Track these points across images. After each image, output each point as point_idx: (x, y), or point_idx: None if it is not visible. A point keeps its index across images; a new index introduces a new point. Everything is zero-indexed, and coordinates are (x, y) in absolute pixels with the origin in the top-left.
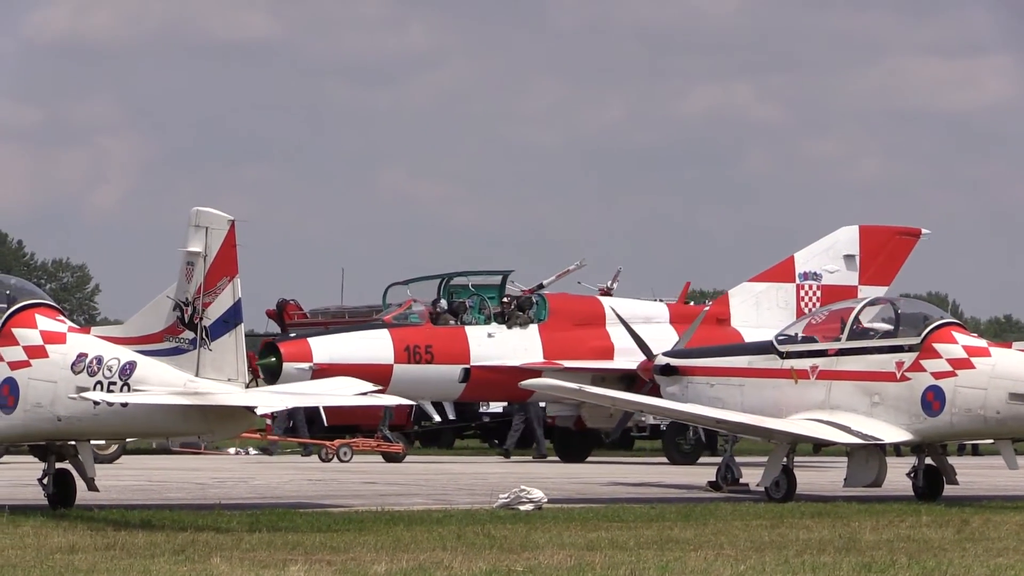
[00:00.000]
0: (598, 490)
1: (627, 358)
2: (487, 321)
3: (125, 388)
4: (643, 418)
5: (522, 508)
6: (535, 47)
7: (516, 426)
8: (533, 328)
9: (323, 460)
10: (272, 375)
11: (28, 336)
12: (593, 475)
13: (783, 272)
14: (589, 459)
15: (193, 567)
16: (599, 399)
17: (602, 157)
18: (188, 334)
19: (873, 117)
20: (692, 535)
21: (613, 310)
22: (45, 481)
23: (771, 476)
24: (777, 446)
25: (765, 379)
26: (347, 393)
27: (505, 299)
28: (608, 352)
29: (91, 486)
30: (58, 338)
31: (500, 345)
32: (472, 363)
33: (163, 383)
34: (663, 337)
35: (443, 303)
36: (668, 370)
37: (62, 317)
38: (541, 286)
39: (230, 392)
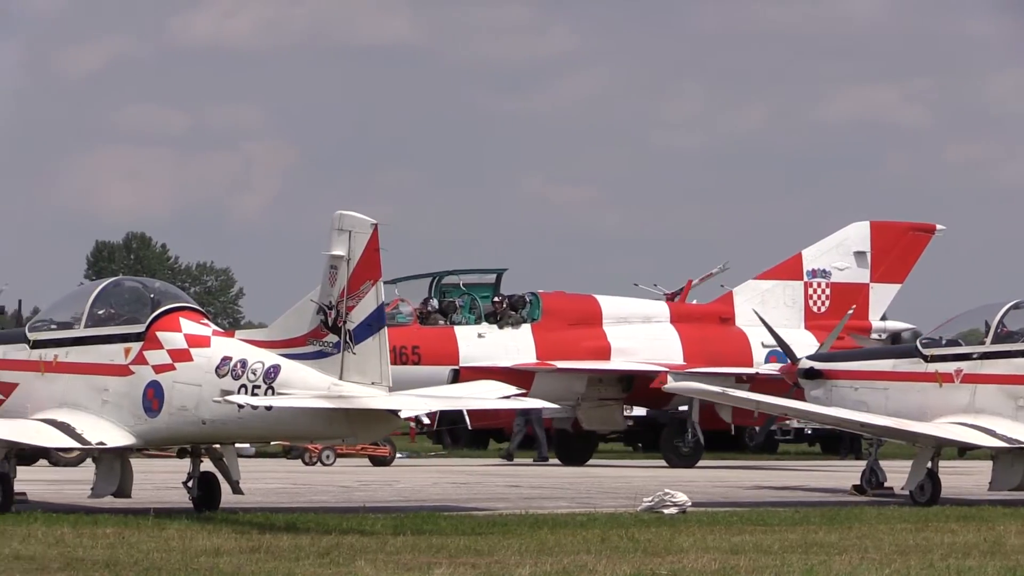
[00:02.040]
0: (742, 494)
1: (624, 358)
2: (478, 321)
3: (269, 391)
4: (788, 422)
5: (666, 512)
6: (676, 51)
7: (518, 428)
8: (526, 328)
9: (306, 464)
10: None
11: (173, 340)
12: (737, 479)
13: (790, 269)
14: (590, 462)
15: (338, 570)
16: (743, 402)
17: (744, 161)
18: (332, 338)
19: (1017, 120)
20: (836, 539)
21: (756, 313)
22: (190, 484)
23: (916, 480)
24: (922, 450)
25: (910, 382)
26: (491, 396)
27: (496, 298)
28: (604, 352)
29: (236, 489)
30: (202, 342)
31: (490, 345)
32: (461, 364)
33: (307, 387)
34: (662, 336)
35: (433, 302)
36: (812, 373)
37: (206, 321)
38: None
39: (374, 395)
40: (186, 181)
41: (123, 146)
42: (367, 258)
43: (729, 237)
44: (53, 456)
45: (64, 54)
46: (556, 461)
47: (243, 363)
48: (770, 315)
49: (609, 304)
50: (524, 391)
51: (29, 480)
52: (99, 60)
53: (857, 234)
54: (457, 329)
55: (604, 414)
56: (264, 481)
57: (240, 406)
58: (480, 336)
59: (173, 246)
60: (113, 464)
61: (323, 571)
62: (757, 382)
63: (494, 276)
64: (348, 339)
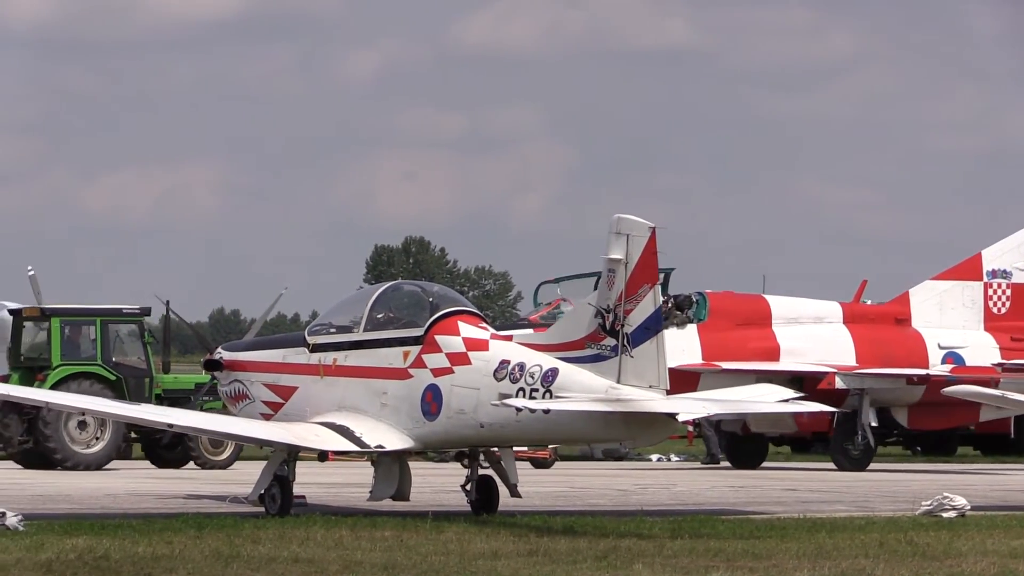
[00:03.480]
0: (1021, 497)
1: (794, 359)
2: None
3: (547, 395)
4: None
5: (945, 515)
6: (956, 53)
7: (710, 430)
8: (692, 328)
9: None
10: None
11: (451, 343)
12: (1017, 483)
13: (969, 270)
14: (764, 465)
15: (615, 573)
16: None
17: (1021, 163)
18: (609, 341)
19: None
20: None
21: None
22: (468, 487)
23: None
24: None
25: None
26: (770, 400)
27: (662, 298)
28: (773, 353)
29: (514, 492)
30: (481, 345)
31: None
32: None
33: (585, 390)
34: (834, 337)
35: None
36: None
37: (484, 324)
38: None
39: (652, 399)
40: (464, 184)
41: (402, 150)
42: (645, 261)
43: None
44: (201, 458)
45: (343, 59)
46: (726, 463)
47: (521, 366)
48: (948, 317)
49: (779, 304)
50: (804, 394)
51: (308, 483)
52: (378, 64)
53: None
54: None
55: (773, 416)
56: (542, 485)
57: (518, 409)
58: None
59: (452, 250)
60: (392, 467)
61: (600, 574)
62: (931, 383)
63: (661, 276)
64: (626, 342)
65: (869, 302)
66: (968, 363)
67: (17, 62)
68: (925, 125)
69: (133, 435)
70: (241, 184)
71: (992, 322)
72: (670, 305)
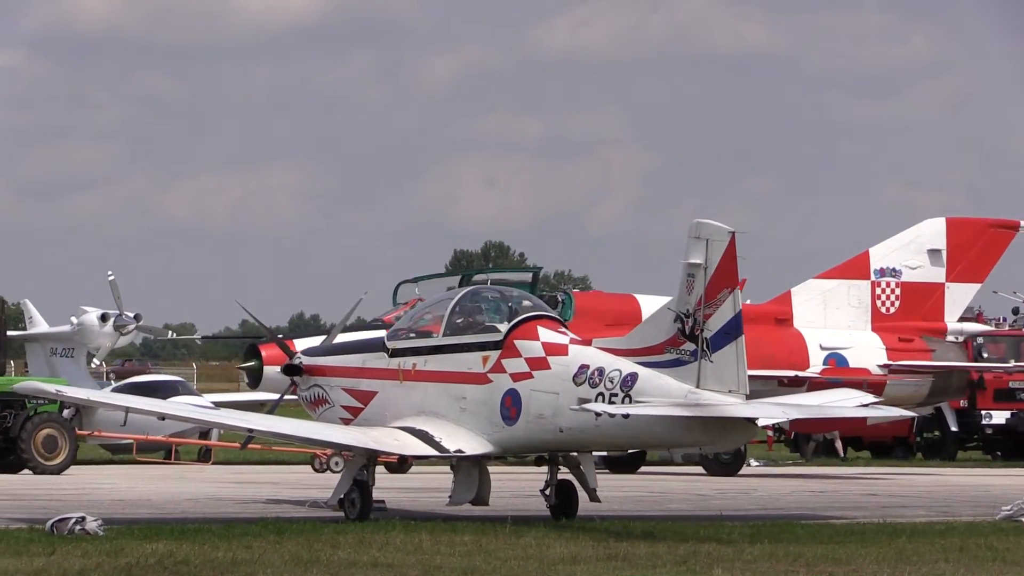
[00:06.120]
0: None
1: None
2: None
3: (626, 399)
4: None
5: None
6: None
7: None
8: None
9: (316, 470)
10: (254, 379)
11: (530, 348)
12: None
13: (856, 268)
14: (641, 471)
15: None
16: None
17: None
18: (689, 345)
19: None
20: None
21: None
22: (547, 492)
23: None
24: None
25: None
26: (849, 404)
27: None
28: None
29: (593, 496)
30: (560, 350)
31: None
32: None
33: (664, 394)
34: None
35: None
36: None
37: (564, 329)
38: None
39: (732, 403)
40: (544, 189)
41: (482, 155)
42: (724, 266)
43: None
44: (35, 464)
45: (424, 64)
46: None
47: (600, 371)
48: (832, 316)
49: (650, 304)
50: (880, 399)
51: (387, 488)
52: (458, 69)
53: (931, 231)
54: None
55: None
56: (621, 489)
57: (597, 414)
58: None
59: (531, 254)
60: (471, 472)
61: None
62: (811, 385)
63: (530, 275)
64: (705, 347)
65: (748, 301)
66: (852, 364)
67: (97, 68)
68: (1006, 127)
69: None
70: (321, 189)
71: (880, 322)
72: None
